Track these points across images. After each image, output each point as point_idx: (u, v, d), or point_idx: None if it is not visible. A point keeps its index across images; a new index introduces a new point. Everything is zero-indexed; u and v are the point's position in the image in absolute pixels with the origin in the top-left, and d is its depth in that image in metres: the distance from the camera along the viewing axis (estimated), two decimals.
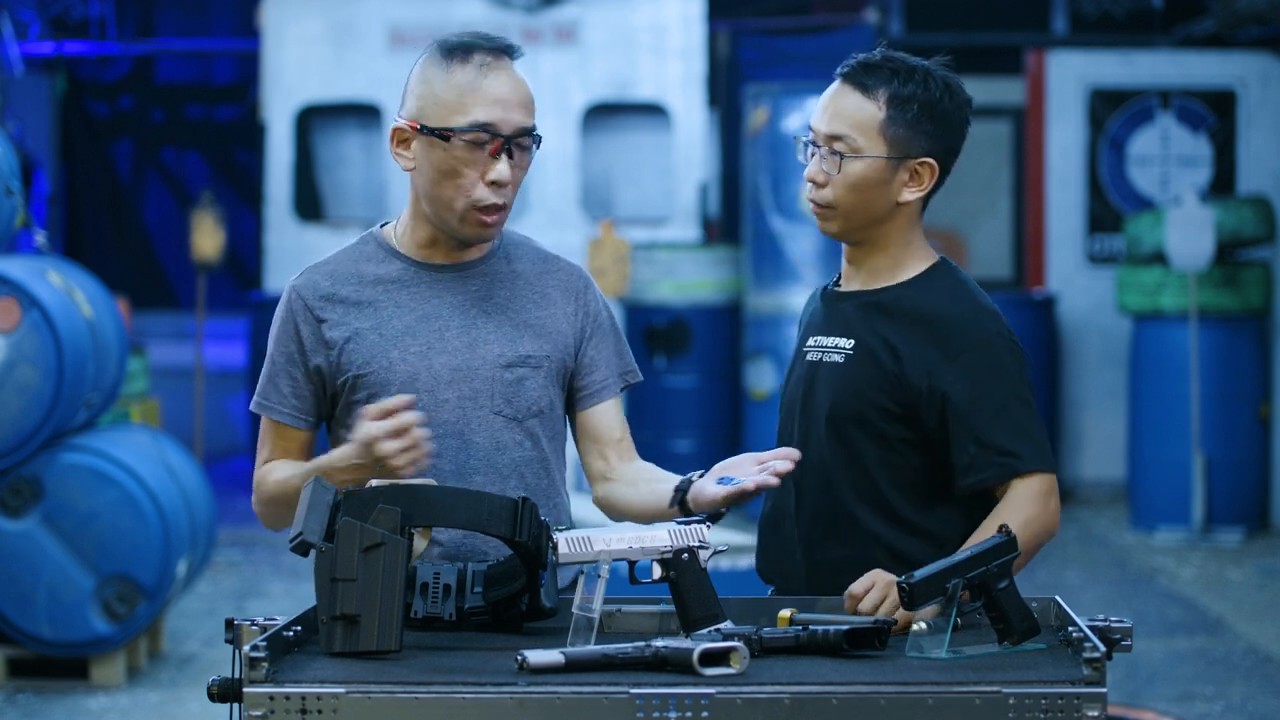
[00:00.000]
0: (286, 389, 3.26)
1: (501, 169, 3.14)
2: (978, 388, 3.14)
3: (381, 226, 3.34)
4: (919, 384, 3.16)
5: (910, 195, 3.22)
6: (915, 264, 3.26)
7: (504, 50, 3.18)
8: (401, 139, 3.18)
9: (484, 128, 3.12)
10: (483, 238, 3.21)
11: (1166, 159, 12.14)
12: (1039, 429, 3.17)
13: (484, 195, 3.15)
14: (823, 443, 3.23)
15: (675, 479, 3.18)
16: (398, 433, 2.97)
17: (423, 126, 3.14)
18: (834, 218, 3.23)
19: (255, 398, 3.29)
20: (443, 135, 3.12)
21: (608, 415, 3.34)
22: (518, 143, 3.16)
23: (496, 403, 3.22)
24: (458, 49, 3.15)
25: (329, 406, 3.27)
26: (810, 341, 3.31)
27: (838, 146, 3.19)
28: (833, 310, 3.30)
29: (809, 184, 3.24)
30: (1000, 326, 3.19)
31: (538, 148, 3.22)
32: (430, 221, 3.22)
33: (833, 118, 3.20)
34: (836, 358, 3.24)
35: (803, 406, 3.28)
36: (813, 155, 3.23)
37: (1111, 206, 12.15)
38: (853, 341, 3.23)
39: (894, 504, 3.20)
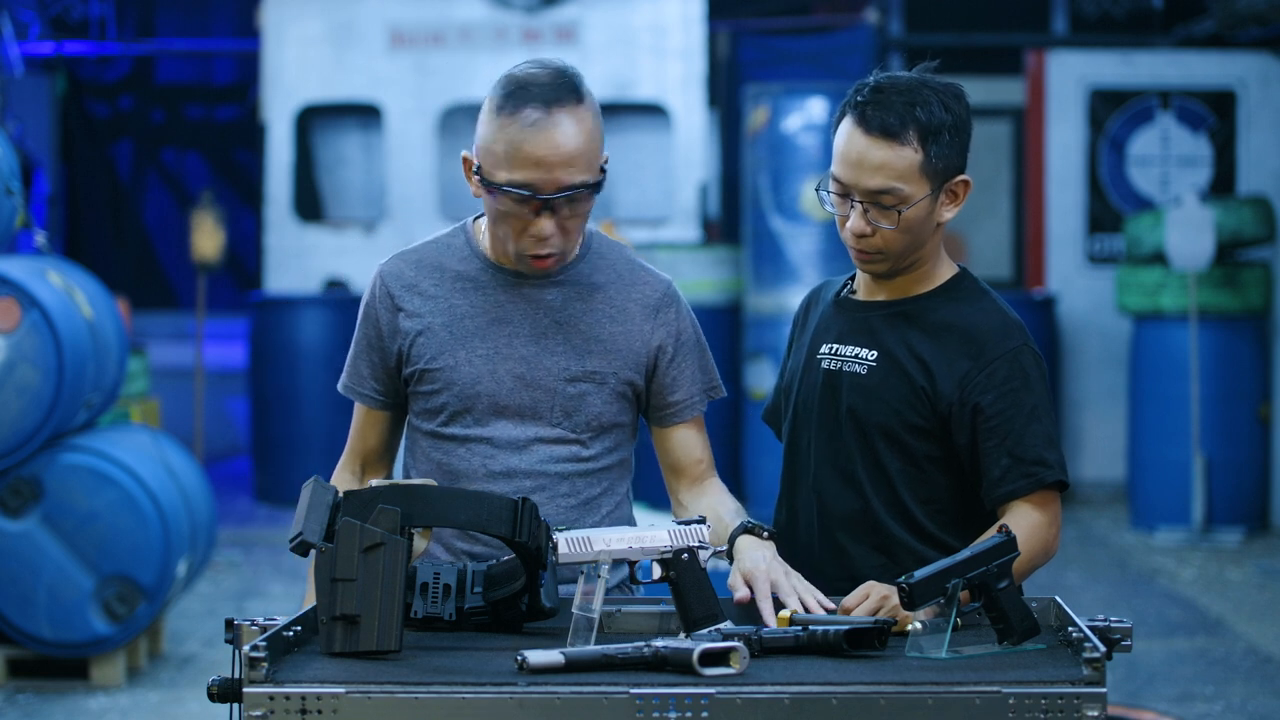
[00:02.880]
0: (366, 371, 3.32)
1: (542, 227, 3.12)
2: (1010, 398, 3.13)
3: (476, 218, 3.35)
4: (951, 396, 3.14)
5: (949, 213, 3.20)
6: (939, 274, 3.25)
7: (557, 99, 3.10)
8: (469, 167, 3.19)
9: (524, 188, 3.09)
10: (540, 275, 3.21)
11: (1166, 159, 12.14)
12: (1059, 439, 3.18)
13: (527, 246, 3.15)
14: (849, 452, 3.21)
15: (732, 527, 3.17)
16: None
17: (477, 169, 3.15)
18: (884, 260, 3.19)
19: (342, 378, 3.37)
20: (489, 186, 3.12)
21: (684, 439, 3.34)
22: (568, 198, 3.11)
23: (555, 415, 3.23)
24: (514, 95, 3.09)
25: (401, 386, 3.32)
26: (824, 349, 3.28)
27: (886, 201, 3.12)
28: (853, 319, 3.27)
29: (852, 234, 3.18)
30: (1026, 337, 3.19)
31: (598, 192, 3.16)
32: None
33: (872, 173, 3.12)
34: (858, 368, 3.22)
35: (820, 414, 3.25)
36: (853, 208, 3.16)
37: (1111, 206, 12.15)
38: (876, 353, 3.21)
39: (919, 518, 3.19)
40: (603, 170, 3.19)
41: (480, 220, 3.33)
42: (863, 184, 3.13)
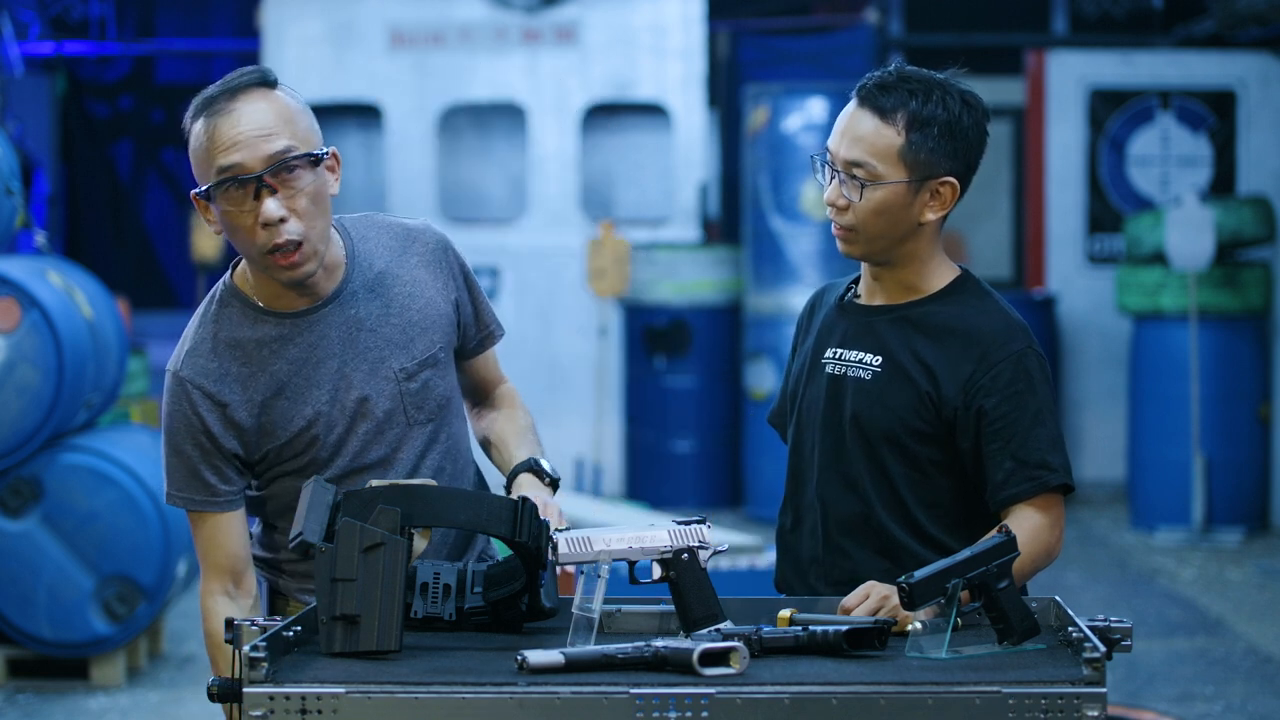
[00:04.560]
0: (213, 479, 3.18)
1: (268, 209, 3.03)
2: (1014, 401, 3.13)
3: (233, 273, 3.25)
4: (955, 400, 3.14)
5: (932, 215, 3.19)
6: (940, 277, 3.24)
7: (238, 89, 3.06)
8: (202, 208, 3.13)
9: (228, 172, 3.02)
10: (296, 280, 3.10)
11: (1166, 159, 12.14)
12: (1064, 441, 3.18)
13: (264, 240, 3.05)
14: (852, 457, 3.21)
15: (517, 459, 3.26)
16: None
17: (196, 192, 3.09)
18: (857, 241, 3.20)
19: (181, 496, 3.20)
20: (207, 196, 3.06)
21: (486, 363, 3.42)
22: (283, 170, 3.04)
23: (410, 414, 3.23)
24: (200, 106, 3.07)
25: (243, 470, 3.22)
26: (829, 353, 3.27)
27: (857, 173, 3.15)
28: (856, 323, 3.27)
29: (830, 207, 3.21)
30: (1030, 340, 3.19)
31: (317, 163, 3.08)
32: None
33: (851, 143, 3.15)
34: (862, 373, 3.22)
35: (825, 420, 3.25)
36: (832, 179, 3.20)
37: (1111, 206, 12.15)
38: (881, 358, 3.21)
39: (921, 521, 3.19)
40: (324, 152, 3.11)
41: (239, 272, 3.23)
42: (842, 153, 3.17)
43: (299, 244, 3.06)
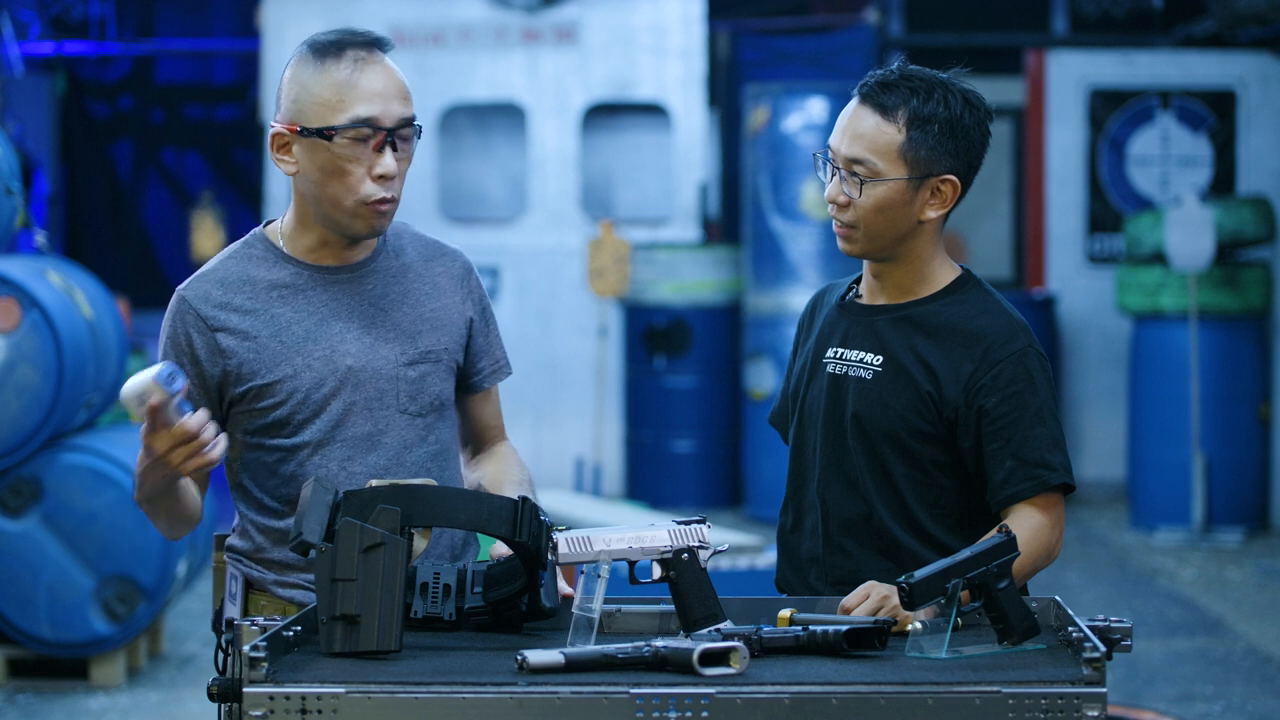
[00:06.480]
0: None
1: (388, 163, 3.14)
2: (1014, 400, 3.14)
3: (265, 225, 3.32)
4: (956, 400, 3.15)
5: (933, 213, 3.20)
6: (941, 276, 3.25)
7: (375, 44, 3.18)
8: (281, 144, 3.17)
9: (365, 123, 3.12)
10: (375, 231, 3.19)
11: (1166, 159, 12.14)
12: (1064, 440, 3.18)
13: (372, 191, 3.14)
14: (854, 456, 3.21)
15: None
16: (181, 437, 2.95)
17: (303, 129, 3.12)
18: (857, 239, 3.21)
19: None
20: (325, 135, 3.12)
21: (484, 405, 3.40)
22: (400, 134, 3.17)
23: (402, 401, 3.23)
24: (330, 47, 3.14)
25: (222, 412, 3.24)
26: (830, 353, 3.28)
27: (858, 170, 3.16)
28: (857, 323, 3.27)
29: (831, 204, 3.22)
30: (1031, 339, 3.20)
31: (419, 138, 3.23)
32: (318, 223, 3.20)
33: (852, 140, 3.17)
34: (863, 373, 3.22)
35: (826, 420, 3.25)
36: (833, 176, 3.21)
37: (1111, 206, 12.15)
38: (882, 358, 3.21)
39: (923, 521, 3.19)
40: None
41: (272, 226, 3.29)
42: (843, 150, 3.18)
43: (392, 201, 3.17)
